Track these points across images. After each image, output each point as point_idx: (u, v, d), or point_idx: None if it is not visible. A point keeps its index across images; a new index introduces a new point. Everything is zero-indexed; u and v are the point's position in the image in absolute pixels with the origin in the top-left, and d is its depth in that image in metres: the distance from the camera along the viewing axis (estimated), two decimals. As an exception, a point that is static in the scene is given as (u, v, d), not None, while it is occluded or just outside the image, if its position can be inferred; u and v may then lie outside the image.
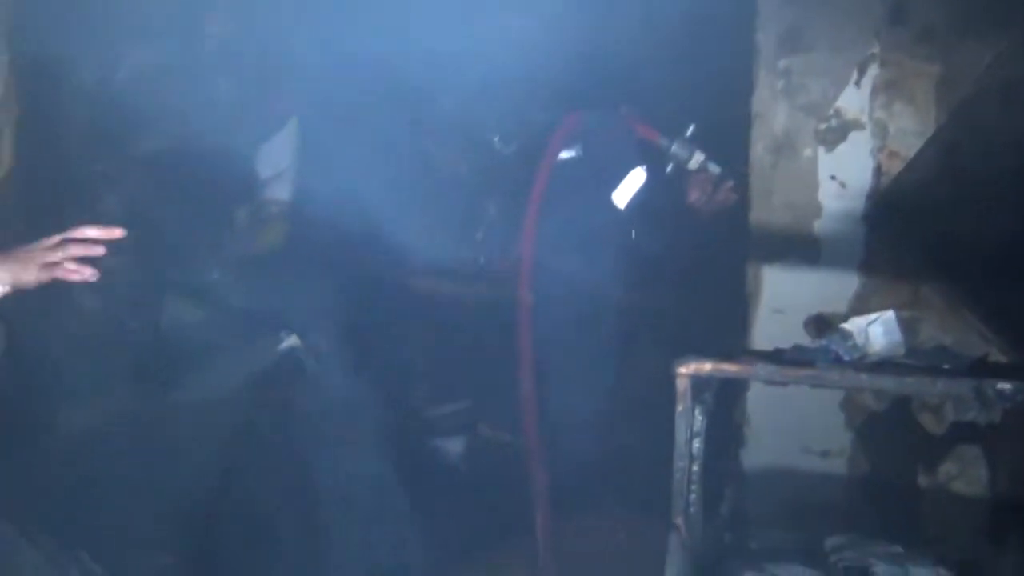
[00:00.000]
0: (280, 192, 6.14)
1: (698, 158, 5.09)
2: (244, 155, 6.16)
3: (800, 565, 4.12)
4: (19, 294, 2.99)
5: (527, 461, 4.93)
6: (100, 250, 2.99)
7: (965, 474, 4.80)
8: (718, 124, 5.06)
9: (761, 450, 4.96)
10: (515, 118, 5.74)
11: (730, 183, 5.03)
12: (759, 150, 4.91)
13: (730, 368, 3.85)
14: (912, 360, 3.80)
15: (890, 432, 4.87)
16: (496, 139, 5.86)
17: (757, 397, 4.96)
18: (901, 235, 4.75)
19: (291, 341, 5.45)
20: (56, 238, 2.99)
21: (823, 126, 4.83)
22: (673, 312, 5.19)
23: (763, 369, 3.82)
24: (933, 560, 4.11)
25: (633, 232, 5.12)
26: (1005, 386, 3.54)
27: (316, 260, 5.77)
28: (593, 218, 5.13)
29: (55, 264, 2.97)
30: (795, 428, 4.92)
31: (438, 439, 5.57)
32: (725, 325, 5.05)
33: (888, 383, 3.74)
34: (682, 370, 3.81)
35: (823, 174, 4.85)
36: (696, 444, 3.90)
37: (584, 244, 5.07)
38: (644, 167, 5.14)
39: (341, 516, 4.80)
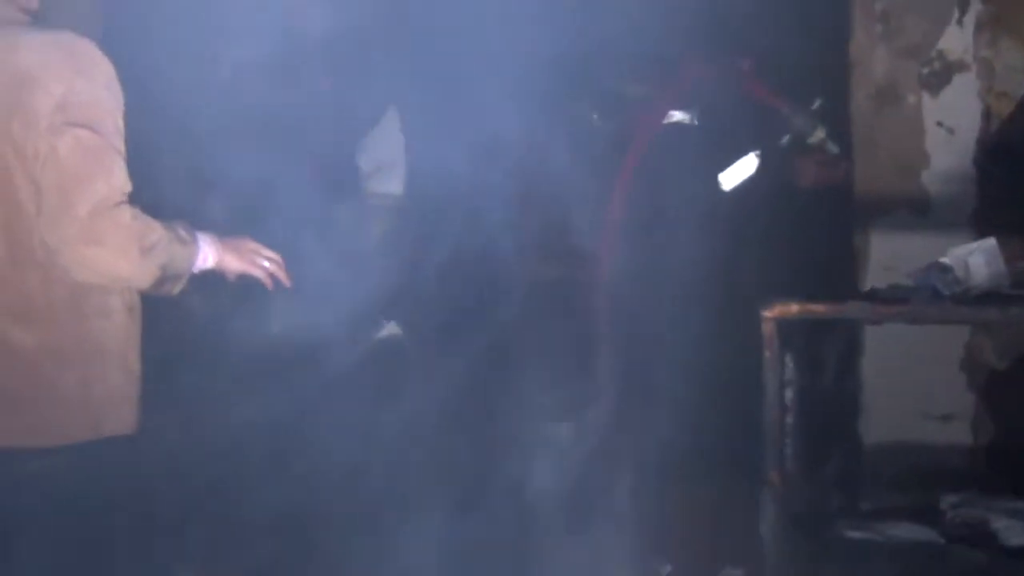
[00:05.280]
0: (382, 186, 6.08)
1: (819, 135, 4.86)
2: (345, 150, 6.11)
3: (912, 523, 3.85)
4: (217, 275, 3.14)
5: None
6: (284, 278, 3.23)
7: (1103, 434, 4.49)
8: (816, 73, 4.81)
9: (878, 416, 4.70)
10: (614, 92, 5.58)
11: (844, 165, 4.79)
12: (860, 99, 4.70)
13: (818, 309, 3.63)
14: (1019, 291, 3.52)
15: (1016, 392, 4.58)
16: (594, 116, 5.71)
17: (873, 360, 4.71)
18: (1014, 181, 4.47)
19: (390, 328, 5.36)
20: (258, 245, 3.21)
21: (926, 70, 4.60)
22: (778, 276, 4.94)
23: (854, 307, 3.61)
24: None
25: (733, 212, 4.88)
26: None
27: (421, 252, 5.67)
28: (698, 191, 4.90)
29: (259, 263, 3.16)
30: (914, 391, 4.66)
31: (547, 425, 5.38)
32: (834, 285, 4.81)
33: (992, 315, 3.50)
34: (768, 314, 3.60)
35: (928, 121, 4.62)
36: (788, 393, 3.68)
37: (683, 217, 4.85)
38: (757, 153, 4.89)
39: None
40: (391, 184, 6.09)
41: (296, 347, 5.45)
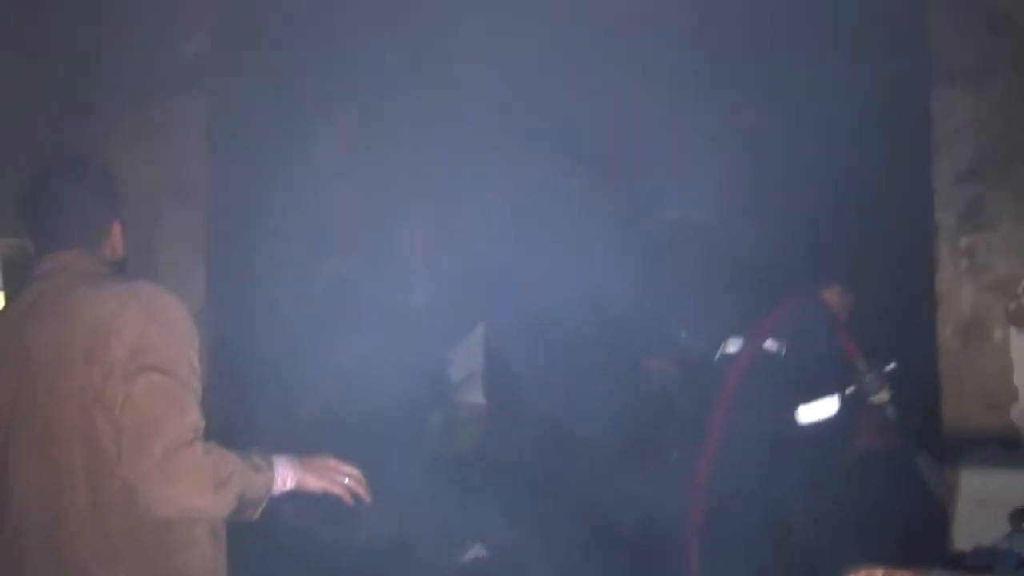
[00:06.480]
0: (472, 395, 6.14)
1: (882, 396, 4.89)
2: (436, 360, 6.19)
3: None
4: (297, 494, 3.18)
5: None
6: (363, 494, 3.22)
7: None
8: (903, 307, 4.82)
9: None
10: (702, 309, 5.62)
11: (896, 432, 4.83)
12: (947, 333, 4.66)
13: (902, 575, 3.56)
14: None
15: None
16: (683, 334, 5.75)
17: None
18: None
19: (476, 551, 5.36)
20: (337, 462, 3.20)
21: (1013, 305, 4.55)
22: (868, 511, 4.89)
23: (938, 576, 3.52)
24: None
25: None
26: None
27: (509, 464, 5.70)
28: (778, 425, 4.90)
29: (338, 480, 3.16)
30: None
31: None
32: (927, 522, 4.76)
33: (1079, 589, 3.40)
34: (851, 578, 3.55)
35: (1017, 355, 4.55)
36: (875, 658, 3.61)
37: (766, 449, 4.85)
38: (838, 396, 4.89)
39: None
40: (478, 394, 6.16)
41: (384, 562, 5.48)
